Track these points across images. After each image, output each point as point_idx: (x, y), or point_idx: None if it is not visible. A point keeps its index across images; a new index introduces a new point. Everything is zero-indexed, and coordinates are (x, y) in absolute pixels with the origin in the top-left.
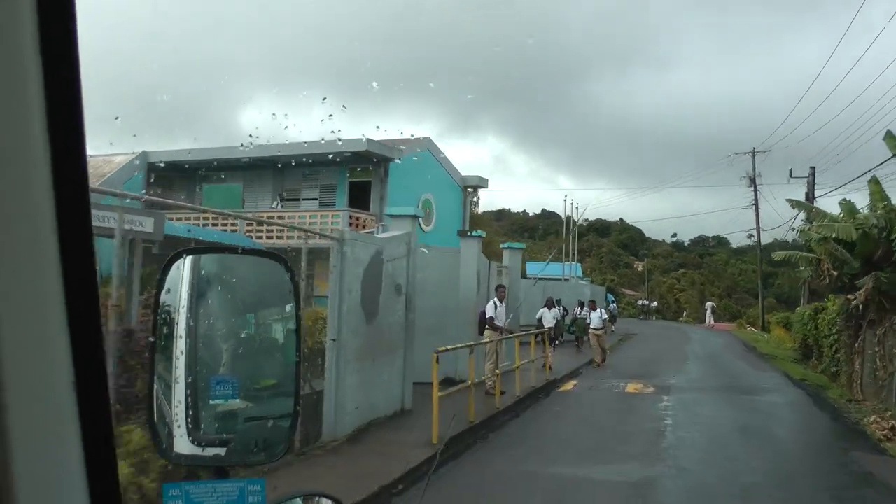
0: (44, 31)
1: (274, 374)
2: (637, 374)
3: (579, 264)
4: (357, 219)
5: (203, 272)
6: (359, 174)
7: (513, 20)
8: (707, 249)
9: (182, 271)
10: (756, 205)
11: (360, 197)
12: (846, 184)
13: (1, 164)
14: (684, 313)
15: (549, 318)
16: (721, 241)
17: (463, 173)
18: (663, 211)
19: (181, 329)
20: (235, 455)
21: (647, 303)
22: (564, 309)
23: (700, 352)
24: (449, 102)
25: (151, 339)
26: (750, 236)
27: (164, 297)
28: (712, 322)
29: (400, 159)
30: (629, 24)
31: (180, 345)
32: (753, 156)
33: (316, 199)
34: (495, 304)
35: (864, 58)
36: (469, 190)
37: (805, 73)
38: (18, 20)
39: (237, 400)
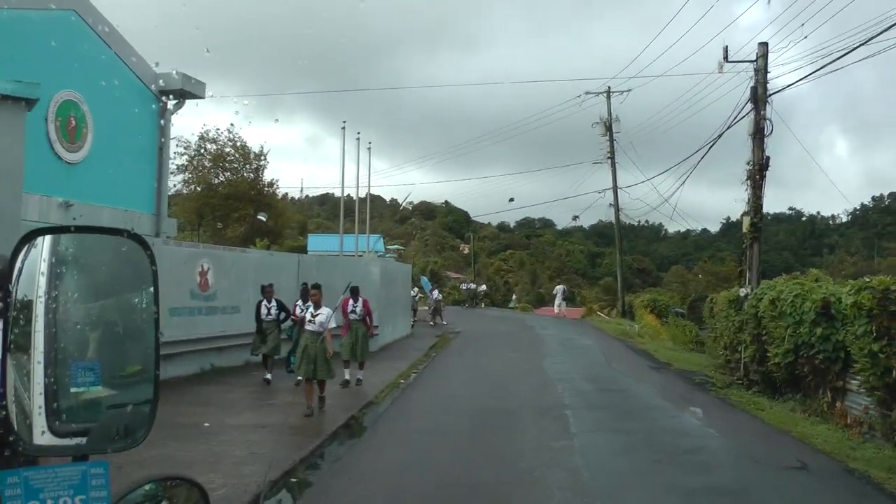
0: None
1: (138, 359)
2: None
3: (380, 236)
4: None
5: (61, 253)
6: None
7: None
8: (533, 231)
9: (40, 252)
10: (612, 157)
11: None
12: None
13: None
14: (513, 297)
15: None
16: (546, 223)
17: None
18: (487, 194)
19: (38, 315)
20: (96, 443)
21: (472, 286)
22: (280, 305)
23: (584, 383)
24: (258, 81)
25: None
26: (575, 218)
27: (18, 280)
28: (563, 309)
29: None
30: (436, 2)
31: (38, 332)
32: (609, 97)
33: None
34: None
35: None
36: (167, 99)
37: (615, 56)
38: None
39: (99, 387)
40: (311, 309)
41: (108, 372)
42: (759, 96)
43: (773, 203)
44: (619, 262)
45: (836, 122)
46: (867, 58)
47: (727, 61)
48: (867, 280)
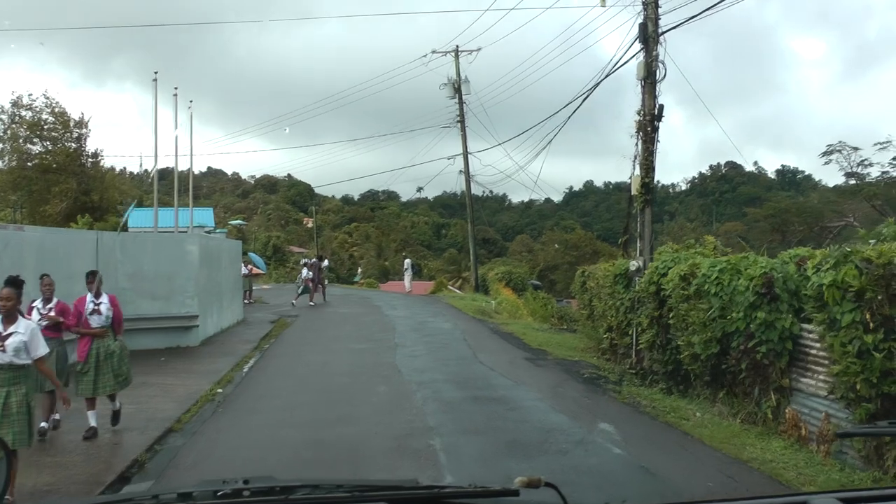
0: None
1: None
2: None
3: (211, 209)
4: None
5: None
6: None
7: None
8: (378, 203)
9: None
10: (462, 121)
11: None
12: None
13: None
14: (359, 270)
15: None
16: (391, 195)
17: None
18: (330, 168)
19: None
20: None
21: (313, 261)
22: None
23: (450, 387)
24: (79, 48)
25: None
26: (419, 189)
27: None
28: (411, 285)
29: None
30: None
31: None
32: (457, 55)
33: None
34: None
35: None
36: None
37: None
38: None
39: None
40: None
41: None
42: (650, 34)
43: (614, 173)
44: (471, 234)
45: (669, 93)
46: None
47: None
48: (847, 250)
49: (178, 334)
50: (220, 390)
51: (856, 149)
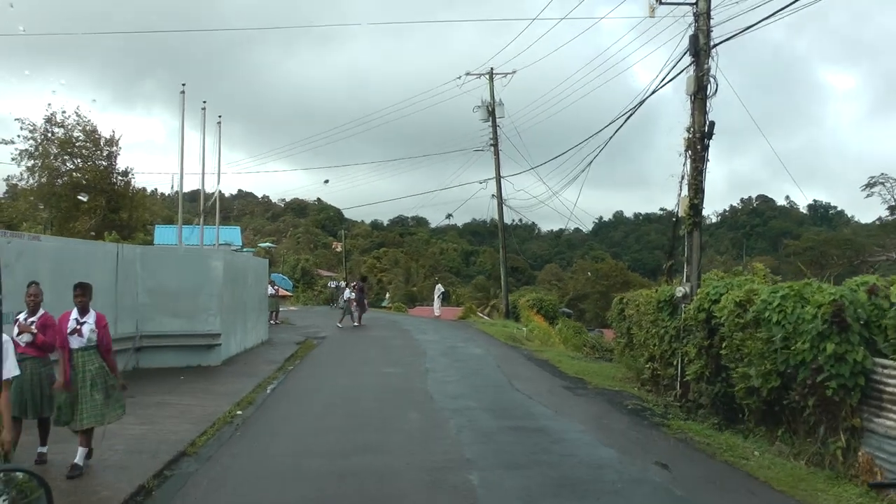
0: None
1: None
2: None
3: (238, 228)
4: None
5: None
6: None
7: None
8: (407, 229)
9: None
10: (496, 143)
11: None
12: None
13: None
14: (387, 295)
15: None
16: (420, 221)
17: None
18: (358, 192)
19: None
20: None
21: (342, 284)
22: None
23: (486, 416)
24: (108, 69)
25: None
26: (449, 216)
27: None
28: (440, 310)
29: None
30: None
31: None
32: (491, 78)
33: None
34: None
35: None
36: None
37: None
38: None
39: None
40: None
41: None
42: (702, 46)
43: (644, 204)
44: (503, 259)
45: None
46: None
47: (661, 3)
48: None
49: (200, 353)
50: (239, 412)
51: None
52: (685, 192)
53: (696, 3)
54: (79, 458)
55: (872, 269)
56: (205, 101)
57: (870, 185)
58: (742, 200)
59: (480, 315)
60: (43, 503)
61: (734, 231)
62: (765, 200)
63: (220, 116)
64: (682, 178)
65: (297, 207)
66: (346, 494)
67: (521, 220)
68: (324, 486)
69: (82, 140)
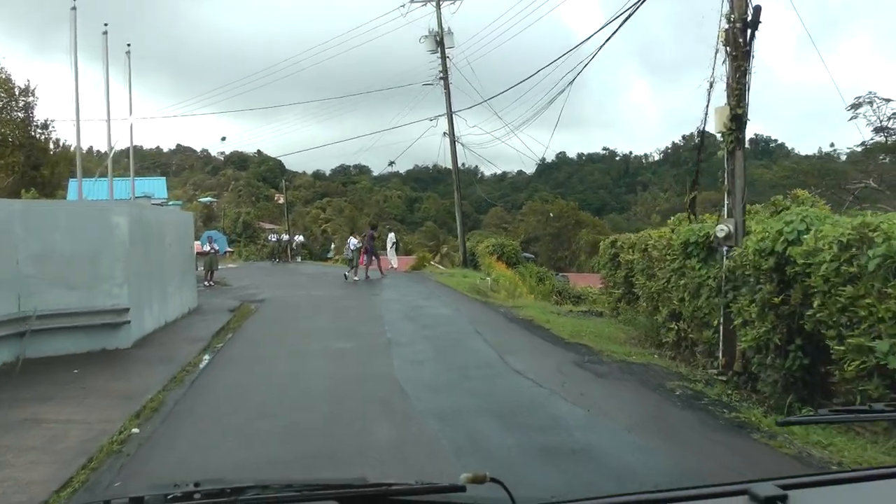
0: None
1: None
2: None
3: (163, 179)
4: None
5: None
6: None
7: None
8: (350, 178)
9: None
10: (445, 76)
11: None
12: None
13: None
14: (332, 246)
15: None
16: (362, 169)
17: None
18: (299, 140)
19: None
20: None
21: (284, 237)
22: None
23: (486, 419)
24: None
25: None
26: (391, 163)
27: None
28: (396, 261)
29: None
30: None
31: None
32: (438, 5)
33: None
34: None
35: None
36: None
37: None
38: None
39: None
40: None
41: None
42: None
43: (587, 144)
44: (458, 202)
45: (633, 64)
46: None
47: None
48: None
49: (104, 334)
50: (135, 430)
51: (888, 100)
52: (724, 101)
53: None
54: None
55: (853, 195)
56: (129, 45)
57: (854, 107)
58: (683, 137)
59: (435, 264)
60: None
61: (678, 167)
62: (706, 137)
63: (128, 45)
64: (711, 84)
65: (238, 160)
66: None
67: (463, 165)
68: None
69: None
